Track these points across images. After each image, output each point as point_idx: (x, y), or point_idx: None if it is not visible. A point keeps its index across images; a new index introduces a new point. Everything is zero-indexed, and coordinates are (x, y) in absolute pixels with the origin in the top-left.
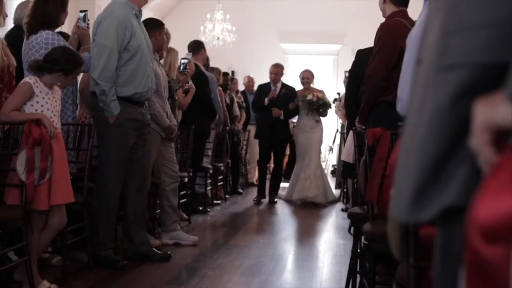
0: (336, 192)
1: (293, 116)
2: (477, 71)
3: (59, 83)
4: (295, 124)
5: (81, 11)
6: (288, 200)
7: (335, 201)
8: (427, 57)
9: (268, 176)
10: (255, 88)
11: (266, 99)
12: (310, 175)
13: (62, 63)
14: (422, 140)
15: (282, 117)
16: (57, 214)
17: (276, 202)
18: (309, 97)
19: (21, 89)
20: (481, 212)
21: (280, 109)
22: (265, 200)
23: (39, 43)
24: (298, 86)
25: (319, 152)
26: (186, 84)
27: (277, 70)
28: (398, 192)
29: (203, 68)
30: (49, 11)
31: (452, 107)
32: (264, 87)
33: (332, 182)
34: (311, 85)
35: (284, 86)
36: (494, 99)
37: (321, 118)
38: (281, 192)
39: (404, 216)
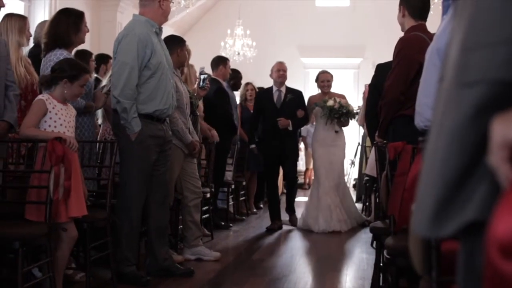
0: (358, 206)
1: (302, 125)
2: (496, 88)
3: (66, 92)
4: (302, 136)
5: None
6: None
7: (363, 224)
8: (448, 74)
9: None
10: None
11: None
12: (332, 198)
13: (67, 70)
14: (443, 156)
15: (290, 128)
16: (69, 227)
17: (296, 225)
18: (330, 102)
19: (35, 107)
20: (499, 228)
21: (287, 118)
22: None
23: (52, 61)
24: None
25: (342, 170)
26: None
27: (284, 67)
28: (420, 208)
29: (224, 84)
30: (61, 31)
31: (471, 124)
32: (265, 94)
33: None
34: (330, 90)
35: (289, 90)
36: (511, 116)
37: (343, 129)
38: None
39: (425, 231)
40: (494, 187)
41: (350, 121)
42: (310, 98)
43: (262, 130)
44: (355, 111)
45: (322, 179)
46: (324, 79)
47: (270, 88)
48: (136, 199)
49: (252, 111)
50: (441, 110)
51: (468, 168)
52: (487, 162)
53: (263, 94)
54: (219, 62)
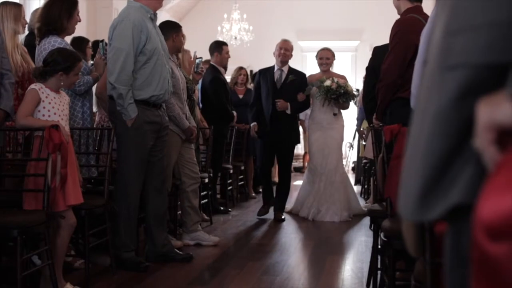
0: (356, 188)
1: (302, 109)
2: (479, 71)
3: (62, 83)
4: (300, 119)
5: (100, 41)
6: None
7: (362, 214)
8: (432, 58)
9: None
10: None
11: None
12: (327, 185)
13: (61, 62)
14: (427, 140)
15: (288, 111)
16: (68, 215)
17: (284, 219)
18: (327, 82)
19: (28, 96)
20: (485, 210)
21: (286, 100)
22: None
23: (46, 49)
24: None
25: (340, 155)
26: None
27: (288, 45)
28: (405, 192)
29: (222, 71)
30: (54, 15)
31: (455, 107)
32: (266, 73)
33: (351, 178)
34: (331, 69)
35: (292, 71)
36: (496, 98)
37: (341, 111)
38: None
39: (411, 215)
40: (478, 170)
41: (349, 103)
42: (308, 78)
43: (258, 111)
44: (354, 92)
45: (318, 164)
46: (323, 56)
47: (272, 67)
48: (133, 185)
49: (240, 96)
50: (424, 94)
51: (452, 151)
52: (472, 144)
53: (264, 72)
54: (214, 49)
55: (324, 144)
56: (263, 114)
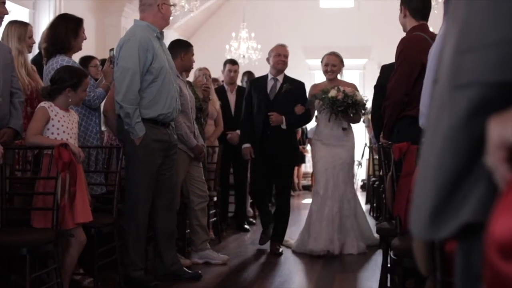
0: (366, 207)
1: (300, 124)
2: (489, 90)
3: (70, 100)
4: (308, 137)
5: (110, 50)
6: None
7: (375, 245)
8: (442, 77)
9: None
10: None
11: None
12: (336, 212)
13: (68, 79)
14: (437, 159)
15: (283, 126)
16: (77, 232)
17: (281, 253)
18: (332, 92)
19: (38, 114)
20: (497, 228)
21: (281, 113)
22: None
23: (54, 68)
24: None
25: (350, 177)
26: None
27: (286, 51)
28: (416, 210)
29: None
30: (60, 35)
31: (465, 126)
32: (257, 83)
33: (362, 197)
34: (339, 77)
35: (287, 79)
36: (507, 116)
37: (352, 125)
38: (290, 240)
39: (423, 233)
40: (490, 189)
41: (361, 115)
42: (312, 88)
43: (251, 127)
44: (365, 101)
45: (324, 187)
46: (328, 63)
47: (265, 76)
48: (141, 204)
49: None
50: (435, 113)
51: (463, 170)
52: (484, 163)
53: (256, 82)
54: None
55: (331, 164)
56: (253, 130)
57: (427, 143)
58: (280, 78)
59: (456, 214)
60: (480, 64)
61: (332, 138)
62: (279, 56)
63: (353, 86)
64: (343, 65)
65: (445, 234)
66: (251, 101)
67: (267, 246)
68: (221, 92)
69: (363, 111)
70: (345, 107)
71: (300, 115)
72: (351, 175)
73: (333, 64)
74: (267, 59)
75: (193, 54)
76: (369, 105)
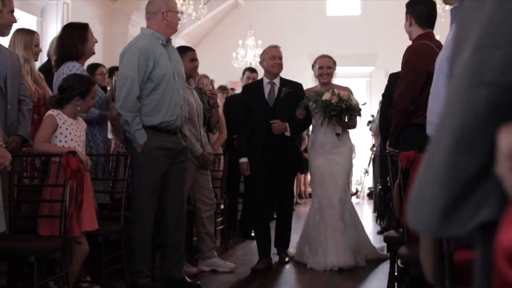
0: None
1: (304, 128)
2: (509, 90)
3: (79, 108)
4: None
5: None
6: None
7: (378, 259)
8: (460, 72)
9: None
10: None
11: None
12: (334, 223)
13: (77, 87)
14: (451, 154)
15: (288, 133)
16: (82, 241)
17: (288, 261)
18: (326, 95)
19: (46, 122)
20: (506, 237)
21: (283, 120)
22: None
23: (64, 74)
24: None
25: (348, 185)
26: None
27: (280, 53)
28: (421, 205)
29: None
30: (67, 44)
31: (483, 124)
32: (253, 88)
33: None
34: (332, 81)
35: (285, 82)
36: None
37: (348, 130)
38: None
39: (433, 229)
40: None
41: (356, 120)
42: (305, 92)
43: (250, 137)
44: (360, 106)
45: (321, 197)
46: (324, 65)
47: (260, 81)
48: (145, 211)
49: None
50: (450, 108)
51: (481, 169)
52: (495, 171)
53: (251, 88)
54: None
55: (328, 171)
56: (253, 141)
57: (437, 137)
58: (277, 81)
59: (475, 211)
60: (503, 63)
61: (327, 144)
62: (274, 59)
63: (348, 90)
64: (335, 68)
65: (461, 232)
66: (246, 110)
67: (273, 254)
68: (239, 100)
69: (358, 117)
70: (338, 111)
71: (302, 120)
72: (348, 182)
73: (328, 66)
74: (260, 63)
75: (192, 59)
76: (373, 112)
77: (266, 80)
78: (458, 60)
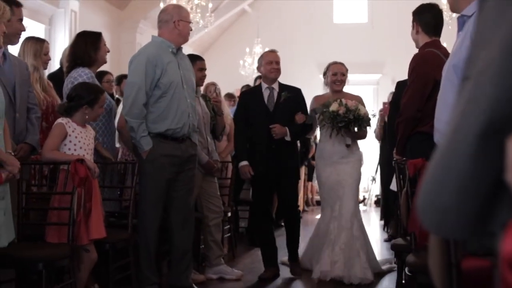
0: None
1: (304, 133)
2: None
3: (87, 116)
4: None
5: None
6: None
7: (383, 272)
8: (475, 73)
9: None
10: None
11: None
12: (344, 235)
13: (85, 96)
14: (478, 156)
15: (288, 138)
16: (90, 249)
17: (299, 272)
18: (333, 106)
19: (56, 130)
20: (509, 244)
21: (283, 124)
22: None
23: (74, 78)
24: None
25: (357, 197)
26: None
27: (278, 57)
28: (441, 210)
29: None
30: (80, 51)
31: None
32: (251, 94)
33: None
34: (344, 89)
35: (284, 87)
36: None
37: (358, 141)
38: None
39: (462, 235)
40: None
41: (366, 130)
42: (314, 100)
43: (250, 142)
44: (370, 116)
45: (331, 208)
46: (337, 71)
47: (259, 87)
48: (150, 219)
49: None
50: (464, 109)
51: (499, 176)
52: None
53: (249, 94)
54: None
55: (336, 182)
56: (253, 146)
57: (450, 139)
58: (276, 86)
59: (503, 215)
60: None
61: (335, 155)
62: (271, 64)
63: (358, 99)
64: (347, 76)
65: (490, 236)
66: (245, 115)
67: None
68: None
69: (368, 127)
70: (346, 122)
71: (303, 124)
72: (357, 194)
73: (342, 73)
74: (258, 68)
75: (201, 69)
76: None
77: (264, 85)
78: (474, 63)
